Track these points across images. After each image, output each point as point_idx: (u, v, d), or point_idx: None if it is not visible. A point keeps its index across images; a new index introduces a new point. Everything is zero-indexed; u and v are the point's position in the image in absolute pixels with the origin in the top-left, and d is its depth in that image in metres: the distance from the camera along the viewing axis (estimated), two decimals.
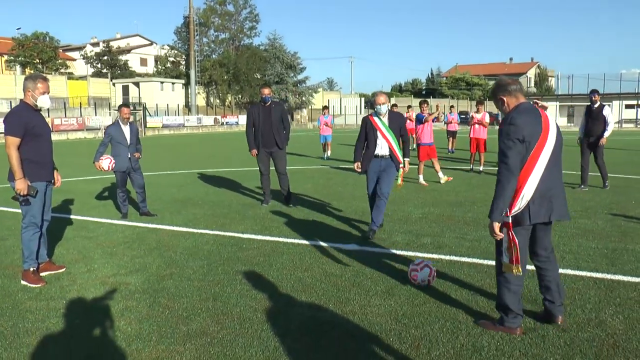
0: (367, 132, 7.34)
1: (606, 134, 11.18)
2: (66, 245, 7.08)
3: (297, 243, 6.96)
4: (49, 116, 42.94)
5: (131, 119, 8.92)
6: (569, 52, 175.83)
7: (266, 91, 9.51)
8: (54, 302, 4.97)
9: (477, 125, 14.69)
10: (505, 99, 4.10)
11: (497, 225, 3.95)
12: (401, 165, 7.34)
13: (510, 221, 3.95)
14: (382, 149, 7.27)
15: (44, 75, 5.65)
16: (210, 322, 4.41)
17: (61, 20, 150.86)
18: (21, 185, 5.31)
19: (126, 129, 8.65)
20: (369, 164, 7.32)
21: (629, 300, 4.79)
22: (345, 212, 9.08)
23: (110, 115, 48.30)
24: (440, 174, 12.56)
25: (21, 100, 5.58)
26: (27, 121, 5.34)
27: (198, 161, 19.31)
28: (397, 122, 7.42)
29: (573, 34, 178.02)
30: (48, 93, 5.57)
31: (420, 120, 12.64)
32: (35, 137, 5.42)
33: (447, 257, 6.23)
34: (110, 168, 8.38)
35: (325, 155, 19.73)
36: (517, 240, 3.92)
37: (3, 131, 5.41)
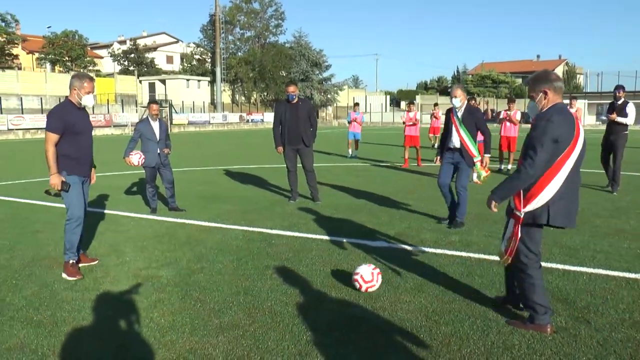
0: (447, 124, 7.69)
1: (620, 119, 10.66)
2: (98, 238, 7.22)
3: (325, 239, 7.00)
4: None
5: (162, 115, 9.06)
6: (598, 49, 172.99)
7: (291, 89, 9.56)
8: (88, 293, 5.08)
9: (507, 123, 14.54)
10: (549, 92, 4.04)
11: (494, 203, 4.07)
12: (477, 160, 7.47)
13: (522, 216, 3.96)
14: (454, 142, 7.55)
15: (91, 75, 5.78)
16: (242, 315, 4.47)
17: (89, 19, 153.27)
18: (55, 180, 5.44)
19: (155, 125, 8.78)
20: (444, 154, 7.72)
21: None
22: (372, 209, 9.09)
23: (137, 112, 48.88)
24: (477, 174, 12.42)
25: (66, 97, 5.71)
26: (67, 119, 5.46)
27: (224, 158, 19.47)
28: (472, 117, 7.58)
29: (602, 31, 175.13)
30: (93, 93, 5.73)
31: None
32: (75, 134, 5.53)
33: (476, 255, 6.21)
34: (140, 163, 8.51)
35: (352, 154, 19.24)
36: (519, 236, 3.99)
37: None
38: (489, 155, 7.65)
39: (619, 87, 11.12)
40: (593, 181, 11.76)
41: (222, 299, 4.85)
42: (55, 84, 50.25)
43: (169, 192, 9.02)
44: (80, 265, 5.85)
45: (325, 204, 9.52)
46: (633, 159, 17.74)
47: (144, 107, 51.68)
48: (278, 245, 6.72)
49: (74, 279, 5.48)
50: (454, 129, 7.52)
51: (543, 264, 5.75)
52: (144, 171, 8.99)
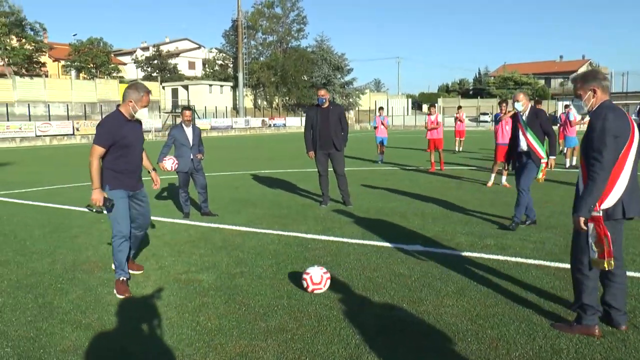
0: (514, 130, 7.84)
1: None
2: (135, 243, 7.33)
3: (361, 243, 7.03)
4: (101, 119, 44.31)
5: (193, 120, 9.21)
6: (622, 49, 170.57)
7: (322, 92, 9.63)
8: (132, 297, 5.17)
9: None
10: (598, 90, 4.08)
11: (582, 220, 3.94)
12: (544, 161, 7.57)
13: (600, 215, 3.93)
14: (522, 145, 7.66)
15: (147, 87, 5.55)
16: (287, 319, 4.52)
17: (113, 26, 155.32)
18: (96, 196, 5.24)
19: (189, 131, 8.91)
20: (514, 157, 7.88)
21: None
22: (405, 212, 9.10)
23: (160, 117, 49.44)
24: (504, 178, 12.35)
25: (117, 107, 5.41)
26: (116, 132, 5.22)
27: (250, 162, 19.61)
28: (537, 119, 7.66)
29: (626, 30, 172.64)
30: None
31: (496, 119, 12.48)
32: (123, 147, 5.29)
33: (513, 259, 6.19)
34: (173, 168, 8.60)
35: (381, 158, 18.84)
36: (609, 234, 3.87)
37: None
38: (554, 157, 7.71)
39: None
40: None
41: (266, 303, 4.91)
42: (80, 91, 51.07)
43: (202, 197, 9.13)
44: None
45: (357, 208, 9.55)
46: None
47: (167, 113, 52.31)
48: (315, 250, 6.77)
49: (123, 297, 5.21)
50: (520, 133, 7.65)
51: None
52: (176, 176, 9.11)
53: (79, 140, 40.07)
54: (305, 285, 5.11)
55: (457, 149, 23.23)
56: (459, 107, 24.02)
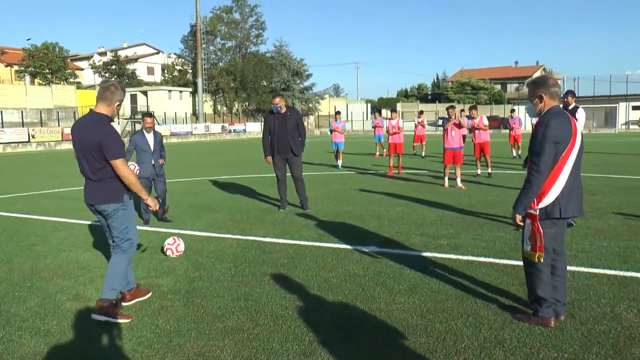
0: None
1: None
2: (94, 249, 7.34)
3: (318, 246, 7.20)
4: (58, 125, 43.49)
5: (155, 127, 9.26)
6: (574, 55, 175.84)
7: (276, 100, 9.80)
8: (92, 302, 5.19)
9: (477, 130, 15.08)
10: (545, 97, 4.36)
11: (518, 217, 4.32)
12: None
13: (537, 213, 4.22)
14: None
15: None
16: (244, 319, 4.65)
17: (69, 30, 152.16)
18: (154, 202, 5.05)
19: (150, 137, 8.97)
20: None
21: None
22: (362, 215, 9.31)
23: (119, 124, 48.73)
24: (459, 180, 12.76)
25: (96, 110, 4.84)
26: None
27: (209, 168, 19.61)
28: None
29: (578, 36, 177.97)
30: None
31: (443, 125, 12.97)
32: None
33: (464, 257, 6.45)
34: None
35: (339, 164, 19.02)
36: (542, 231, 4.18)
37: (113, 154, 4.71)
38: None
39: (568, 93, 11.59)
40: None
41: (223, 305, 5.02)
42: (36, 97, 50.00)
43: (160, 202, 9.17)
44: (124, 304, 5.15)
45: (315, 212, 9.72)
46: (612, 162, 18.22)
47: (126, 119, 51.64)
48: (272, 253, 6.90)
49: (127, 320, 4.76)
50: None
51: None
52: None
53: (35, 147, 39.20)
54: (171, 254, 6.78)
55: (422, 154, 23.39)
56: (421, 112, 24.22)
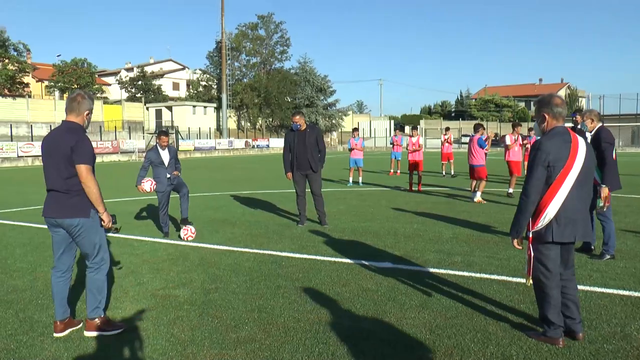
0: None
1: None
2: (115, 261, 7.53)
3: (333, 261, 7.30)
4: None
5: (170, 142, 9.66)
6: (600, 72, 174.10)
7: (296, 118, 9.97)
8: (111, 311, 5.37)
9: (515, 148, 15.05)
10: (547, 117, 4.35)
11: (515, 241, 4.41)
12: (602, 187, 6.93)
13: (530, 236, 4.25)
14: None
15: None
16: (257, 330, 4.77)
17: (97, 46, 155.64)
18: (109, 218, 4.85)
19: (164, 153, 9.32)
20: None
21: None
22: (378, 231, 9.40)
23: (144, 138, 49.52)
24: (479, 194, 13.21)
25: (68, 121, 4.85)
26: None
27: (231, 183, 19.85)
28: (592, 144, 7.15)
29: (604, 53, 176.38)
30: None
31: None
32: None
33: (477, 275, 6.50)
34: (152, 189, 8.95)
35: (353, 181, 18.90)
36: (533, 254, 4.24)
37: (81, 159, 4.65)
38: (604, 187, 6.91)
39: (577, 112, 11.60)
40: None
41: (237, 316, 5.16)
42: (64, 112, 50.96)
43: (185, 203, 9.57)
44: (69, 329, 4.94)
45: (332, 228, 9.83)
46: (637, 182, 18.01)
47: (150, 133, 52.44)
48: (288, 267, 7.03)
49: (120, 330, 4.87)
50: None
51: None
52: (154, 196, 9.40)
53: None
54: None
55: (451, 172, 22.13)
56: (447, 129, 22.92)
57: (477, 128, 14.08)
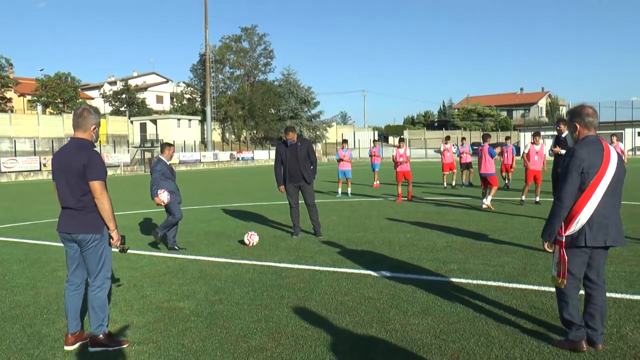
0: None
1: (563, 152, 10.96)
2: (116, 275, 7.59)
3: (332, 271, 7.43)
4: None
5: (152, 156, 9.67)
6: (579, 81, 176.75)
7: (289, 135, 10.09)
8: (117, 324, 5.45)
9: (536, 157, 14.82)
10: (578, 126, 4.51)
11: (546, 245, 4.50)
12: None
13: (563, 240, 4.37)
14: None
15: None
16: (267, 339, 4.88)
17: (80, 60, 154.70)
18: (118, 236, 4.93)
19: (170, 165, 9.42)
20: None
21: None
22: (373, 241, 9.55)
23: (129, 152, 49.34)
24: (489, 198, 13.82)
25: (77, 138, 4.87)
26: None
27: (220, 196, 19.92)
28: None
29: (583, 63, 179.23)
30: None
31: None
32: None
33: (474, 282, 6.66)
34: (169, 200, 8.97)
35: (342, 192, 18.96)
36: (566, 258, 4.31)
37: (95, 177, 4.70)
38: None
39: (560, 121, 11.94)
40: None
41: (245, 326, 5.26)
42: (47, 126, 50.83)
43: (174, 230, 9.45)
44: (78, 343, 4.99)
45: (327, 238, 9.96)
46: (631, 188, 18.37)
47: (135, 147, 52.26)
48: (289, 277, 7.14)
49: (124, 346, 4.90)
50: None
51: (535, 287, 6.26)
52: (150, 210, 9.44)
53: (46, 176, 39.74)
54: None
55: (453, 183, 21.29)
56: (448, 138, 22.41)
57: (485, 138, 14.73)
